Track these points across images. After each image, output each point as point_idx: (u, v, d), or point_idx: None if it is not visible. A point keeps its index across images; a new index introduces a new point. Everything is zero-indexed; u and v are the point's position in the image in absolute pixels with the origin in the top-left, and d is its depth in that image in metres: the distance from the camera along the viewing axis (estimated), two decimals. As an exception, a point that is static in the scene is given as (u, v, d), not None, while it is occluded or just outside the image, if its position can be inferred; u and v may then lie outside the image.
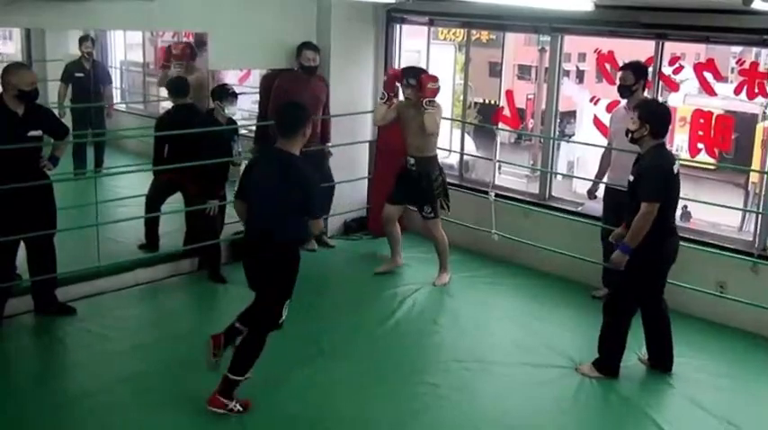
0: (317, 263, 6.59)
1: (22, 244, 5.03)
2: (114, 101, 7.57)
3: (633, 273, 4.40)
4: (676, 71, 5.87)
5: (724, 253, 5.45)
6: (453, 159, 7.48)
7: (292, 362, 4.68)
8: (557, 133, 6.76)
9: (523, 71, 10.99)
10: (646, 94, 5.66)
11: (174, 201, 6.23)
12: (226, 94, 5.83)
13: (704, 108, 5.80)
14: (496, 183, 6.74)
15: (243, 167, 6.38)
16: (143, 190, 6.14)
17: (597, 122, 6.38)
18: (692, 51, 7.16)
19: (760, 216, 5.54)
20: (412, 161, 5.88)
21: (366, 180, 7.28)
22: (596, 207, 6.01)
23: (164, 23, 6.44)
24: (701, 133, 5.65)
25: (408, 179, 5.94)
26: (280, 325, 4.12)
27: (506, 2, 5.67)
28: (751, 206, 6.23)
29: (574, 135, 9.64)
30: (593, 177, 5.98)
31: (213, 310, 5.73)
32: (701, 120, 5.65)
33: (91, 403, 4.24)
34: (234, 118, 5.97)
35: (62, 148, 5.18)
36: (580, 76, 10.23)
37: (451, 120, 7.47)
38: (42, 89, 6.65)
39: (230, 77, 7.81)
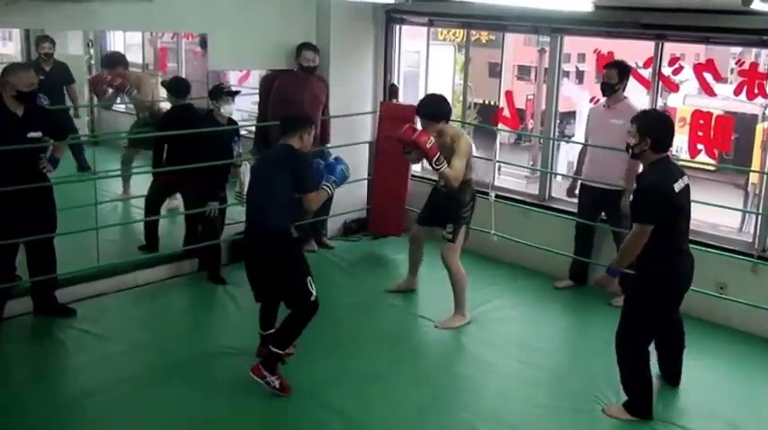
0: (317, 263, 6.60)
1: (21, 245, 5.02)
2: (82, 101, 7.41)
3: (641, 300, 4.09)
4: (676, 72, 5.87)
5: (724, 254, 5.46)
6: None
7: (290, 362, 4.68)
8: (556, 134, 6.76)
9: (523, 72, 10.99)
10: (645, 94, 5.69)
11: (174, 201, 6.24)
12: (221, 93, 5.82)
13: (704, 109, 5.80)
14: (496, 183, 6.74)
15: (243, 168, 6.43)
16: (143, 190, 6.14)
17: (597, 123, 6.38)
18: (692, 52, 7.16)
19: (760, 217, 5.55)
20: (442, 182, 5.37)
21: (366, 181, 7.28)
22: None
23: (163, 24, 6.44)
24: (700, 134, 5.65)
25: (437, 198, 5.52)
26: (313, 302, 4.32)
27: (506, 2, 5.67)
28: (751, 207, 6.24)
29: (573, 136, 9.64)
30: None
31: (213, 311, 5.74)
32: (701, 121, 5.65)
33: (90, 404, 4.23)
34: (233, 118, 5.97)
35: (61, 150, 5.16)
36: (580, 76, 10.24)
37: (450, 121, 7.45)
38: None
39: (231, 78, 7.82)
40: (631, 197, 4.44)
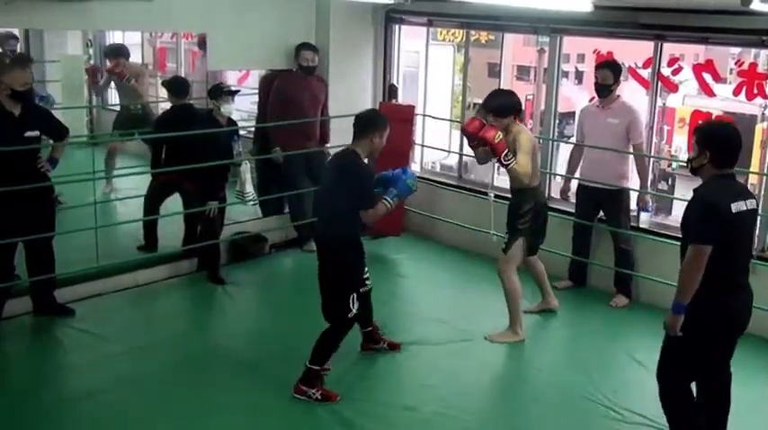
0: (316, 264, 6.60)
1: (20, 245, 5.02)
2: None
3: (682, 338, 3.53)
4: (675, 72, 5.88)
5: (723, 254, 5.44)
6: (452, 160, 7.48)
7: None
8: (556, 134, 6.76)
9: (522, 72, 10.97)
10: (645, 94, 5.69)
11: (173, 201, 6.23)
12: (221, 92, 5.82)
13: (703, 109, 5.81)
14: (495, 183, 6.74)
15: (243, 167, 6.43)
16: (142, 190, 6.14)
17: (596, 123, 6.38)
18: (691, 52, 7.15)
19: (759, 217, 5.53)
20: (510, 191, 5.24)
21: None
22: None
23: (162, 24, 6.45)
24: (700, 134, 5.64)
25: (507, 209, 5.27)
26: (350, 319, 4.25)
27: (505, 2, 5.67)
28: (750, 207, 6.23)
29: (573, 136, 9.64)
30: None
31: (212, 311, 5.73)
32: (701, 122, 5.65)
33: (90, 404, 4.23)
34: (232, 118, 5.97)
35: (60, 150, 5.15)
36: (579, 76, 10.21)
37: (450, 121, 7.47)
38: (42, 90, 6.69)
39: (230, 78, 7.81)
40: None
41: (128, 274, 5.82)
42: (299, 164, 6.56)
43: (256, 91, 7.03)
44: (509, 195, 6.59)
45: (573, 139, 6.39)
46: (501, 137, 4.76)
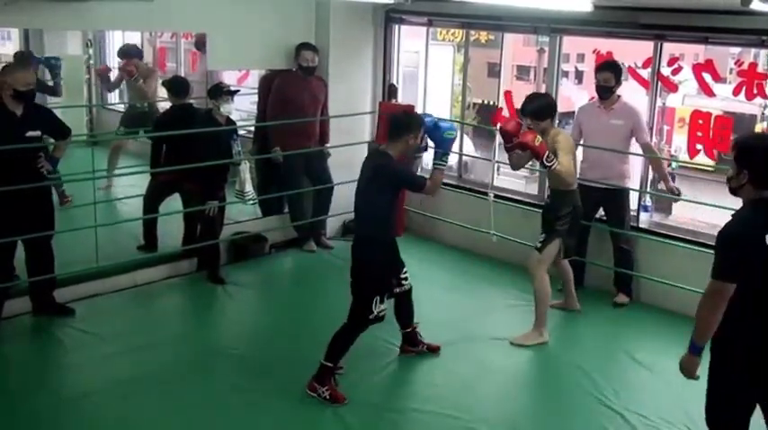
0: (317, 263, 6.61)
1: (20, 244, 5.02)
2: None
3: (719, 375, 3.12)
4: (675, 72, 5.87)
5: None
6: (452, 160, 7.46)
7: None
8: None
9: (522, 72, 10.98)
10: (644, 94, 5.69)
11: (173, 201, 6.23)
12: (220, 92, 5.82)
13: (703, 109, 5.79)
14: (495, 183, 6.74)
15: (243, 167, 6.43)
16: (142, 189, 6.14)
17: (596, 123, 6.38)
18: (691, 52, 7.16)
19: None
20: (548, 192, 5.29)
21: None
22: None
23: (162, 24, 6.45)
24: (699, 134, 5.65)
25: (543, 210, 5.30)
26: (370, 320, 4.27)
27: (505, 2, 5.67)
28: (750, 207, 6.23)
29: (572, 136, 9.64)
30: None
31: (212, 312, 5.73)
32: (700, 121, 5.64)
33: (89, 404, 4.23)
34: (232, 118, 5.97)
35: (62, 149, 5.15)
36: (579, 76, 10.23)
37: (450, 121, 7.46)
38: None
39: (230, 78, 7.82)
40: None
41: (127, 274, 5.82)
42: (299, 164, 6.57)
43: (256, 91, 7.03)
44: (509, 195, 6.63)
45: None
46: (540, 140, 4.75)
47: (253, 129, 7.13)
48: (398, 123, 4.36)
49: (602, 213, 5.94)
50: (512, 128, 4.87)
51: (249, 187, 7.07)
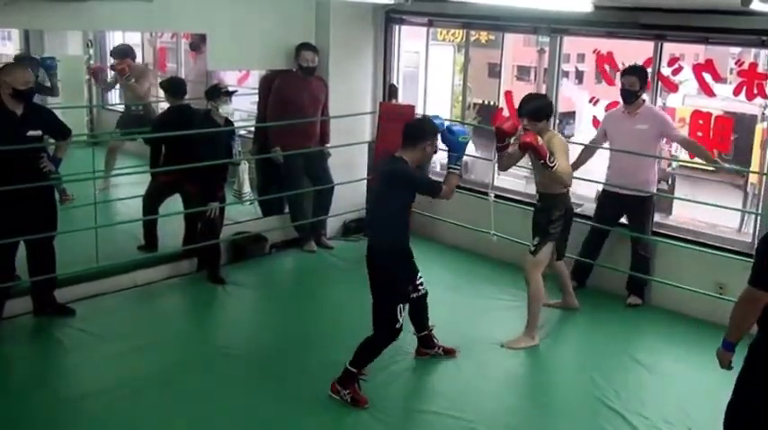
0: (317, 263, 6.61)
1: (21, 244, 5.02)
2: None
3: (739, 387, 3.16)
4: (675, 72, 5.88)
5: (723, 254, 5.45)
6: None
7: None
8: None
9: (522, 72, 10.96)
10: (645, 96, 5.68)
11: (173, 201, 6.23)
12: (218, 93, 5.82)
13: (703, 109, 5.80)
14: (495, 184, 6.74)
15: (242, 167, 6.43)
16: (141, 190, 6.14)
17: (596, 123, 6.37)
18: (691, 52, 7.15)
19: (759, 217, 5.54)
20: (538, 197, 5.22)
21: (365, 181, 7.28)
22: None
23: (162, 24, 6.45)
24: (700, 134, 5.66)
25: (534, 214, 5.25)
26: (397, 329, 4.25)
27: (505, 2, 5.67)
28: (750, 207, 6.23)
29: (573, 136, 9.64)
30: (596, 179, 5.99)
31: (212, 312, 5.73)
32: (701, 121, 5.65)
33: (89, 405, 4.23)
34: (231, 118, 5.96)
35: (63, 149, 5.15)
36: (579, 76, 10.21)
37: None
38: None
39: (230, 78, 7.83)
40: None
41: (128, 274, 5.82)
42: (299, 164, 6.57)
43: (256, 91, 7.03)
44: (509, 196, 6.62)
45: (573, 139, 6.39)
46: (541, 141, 4.70)
47: (253, 129, 7.14)
48: (414, 131, 4.28)
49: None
50: (508, 127, 4.86)
51: (247, 188, 7.08)
